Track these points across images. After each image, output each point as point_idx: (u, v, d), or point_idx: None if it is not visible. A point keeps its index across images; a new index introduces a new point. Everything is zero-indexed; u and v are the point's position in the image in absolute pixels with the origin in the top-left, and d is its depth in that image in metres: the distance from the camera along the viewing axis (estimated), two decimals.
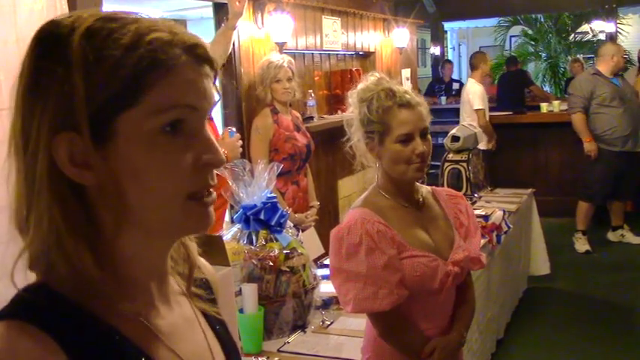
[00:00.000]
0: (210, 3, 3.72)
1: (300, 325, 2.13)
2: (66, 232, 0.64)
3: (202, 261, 0.88)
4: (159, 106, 0.64)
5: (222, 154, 0.69)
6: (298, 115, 3.78)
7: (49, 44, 0.65)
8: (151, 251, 0.71)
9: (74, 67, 0.62)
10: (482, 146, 4.97)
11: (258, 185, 2.09)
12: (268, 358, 1.95)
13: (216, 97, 0.71)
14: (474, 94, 5.75)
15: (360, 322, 1.95)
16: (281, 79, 3.42)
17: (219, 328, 0.82)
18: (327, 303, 2.32)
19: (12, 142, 0.66)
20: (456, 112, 6.41)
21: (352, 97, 1.75)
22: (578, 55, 9.76)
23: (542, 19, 10.94)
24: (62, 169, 0.64)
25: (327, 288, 2.29)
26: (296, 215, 3.30)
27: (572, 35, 10.93)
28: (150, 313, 0.72)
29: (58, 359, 0.61)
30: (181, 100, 0.65)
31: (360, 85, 1.75)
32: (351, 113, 1.76)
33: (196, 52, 0.67)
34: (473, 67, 6.12)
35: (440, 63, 9.00)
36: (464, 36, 14.60)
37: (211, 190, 0.70)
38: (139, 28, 0.65)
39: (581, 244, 5.46)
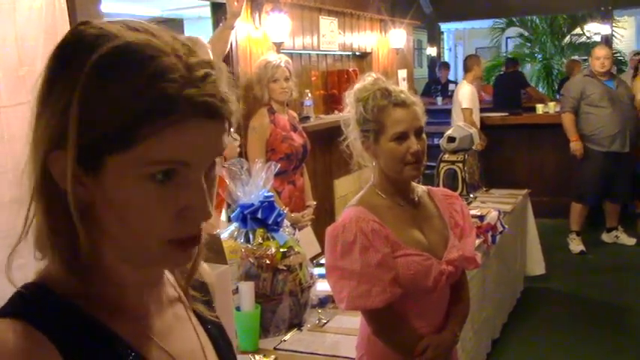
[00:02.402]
0: (208, 2, 3.73)
1: (296, 324, 2.15)
2: (47, 239, 0.66)
3: (202, 264, 0.88)
4: (150, 158, 0.62)
5: (209, 208, 0.67)
6: (295, 115, 3.79)
7: (66, 58, 0.65)
8: (136, 271, 0.72)
9: (77, 93, 0.61)
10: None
11: (256, 184, 2.11)
12: (265, 355, 1.96)
13: (226, 143, 0.68)
14: (463, 94, 5.93)
15: (356, 321, 1.96)
16: (278, 78, 3.43)
17: (210, 327, 0.82)
18: (324, 301, 2.33)
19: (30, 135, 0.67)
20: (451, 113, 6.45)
21: (349, 96, 1.77)
22: (574, 57, 9.78)
23: (537, 21, 10.98)
24: (57, 182, 0.65)
25: (323, 286, 2.30)
26: (292, 215, 3.31)
27: (568, 37, 10.97)
28: (142, 313, 0.73)
29: (52, 357, 0.62)
30: (175, 156, 0.63)
31: (357, 85, 1.77)
32: (348, 113, 1.78)
33: (207, 107, 0.63)
34: (466, 68, 6.26)
35: (437, 64, 9.03)
36: (460, 37, 14.63)
37: (196, 239, 0.68)
38: (155, 70, 0.61)
39: (576, 245, 5.50)
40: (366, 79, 1.77)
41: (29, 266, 0.69)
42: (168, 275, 0.80)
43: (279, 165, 2.24)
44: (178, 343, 0.75)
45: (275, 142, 3.43)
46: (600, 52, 5.39)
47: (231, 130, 0.71)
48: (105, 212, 0.66)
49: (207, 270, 0.90)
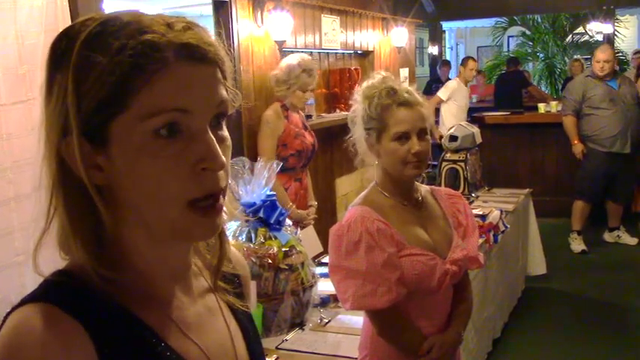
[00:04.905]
0: (210, 0, 3.72)
1: (298, 323, 2.14)
2: (70, 231, 0.67)
3: (237, 256, 0.89)
4: (146, 111, 0.63)
5: (222, 158, 0.66)
6: (303, 114, 3.79)
7: (59, 51, 0.66)
8: (163, 251, 0.72)
9: (70, 74, 0.63)
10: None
11: (258, 183, 2.10)
12: (267, 355, 1.95)
13: (226, 95, 0.68)
14: (447, 85, 6.21)
15: (358, 320, 1.95)
16: (308, 89, 3.44)
17: (242, 317, 0.83)
18: (325, 301, 2.33)
19: (41, 135, 0.68)
20: None
21: (357, 94, 1.77)
22: (577, 56, 9.77)
23: (539, 20, 10.96)
24: (73, 169, 0.66)
25: (325, 286, 2.30)
26: (298, 211, 3.33)
27: (570, 36, 10.95)
28: (171, 304, 0.73)
29: (84, 343, 0.63)
30: (169, 104, 0.63)
31: (366, 83, 1.76)
32: (354, 111, 1.77)
33: (189, 53, 0.64)
34: (460, 70, 6.45)
35: (438, 63, 9.03)
36: (462, 35, 14.63)
37: (218, 196, 0.67)
38: (131, 31, 0.63)
39: (577, 244, 5.49)
40: (375, 77, 1.76)
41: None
42: (199, 266, 0.80)
43: (281, 164, 2.24)
44: (207, 335, 0.75)
45: (288, 137, 3.43)
46: (601, 55, 5.27)
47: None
48: (123, 187, 0.66)
49: (241, 262, 0.90)
